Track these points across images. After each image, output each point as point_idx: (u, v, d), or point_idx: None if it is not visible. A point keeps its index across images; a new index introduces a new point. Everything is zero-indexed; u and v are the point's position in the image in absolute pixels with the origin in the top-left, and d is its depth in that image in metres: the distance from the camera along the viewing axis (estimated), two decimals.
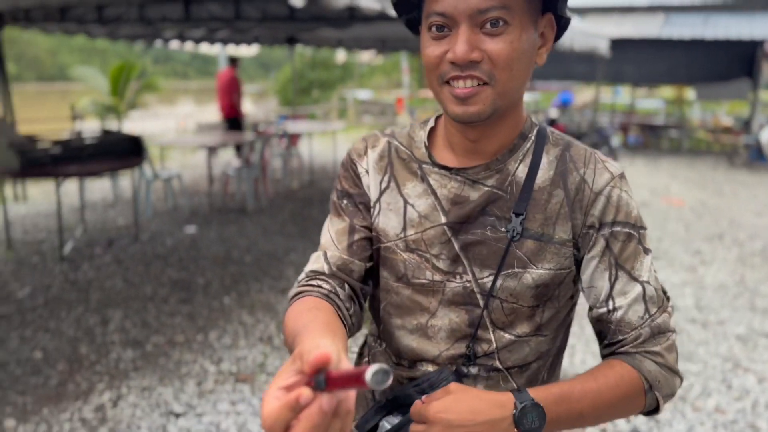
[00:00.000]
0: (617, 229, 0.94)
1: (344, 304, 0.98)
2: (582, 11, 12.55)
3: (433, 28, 0.87)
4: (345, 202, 1.06)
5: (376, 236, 1.04)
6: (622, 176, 0.97)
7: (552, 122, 10.13)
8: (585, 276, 0.97)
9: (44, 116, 12.17)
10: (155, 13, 5.78)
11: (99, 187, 7.89)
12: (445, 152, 1.01)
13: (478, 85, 0.87)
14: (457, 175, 0.98)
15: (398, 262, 1.01)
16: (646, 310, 0.94)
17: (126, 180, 7.95)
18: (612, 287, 0.95)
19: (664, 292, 0.98)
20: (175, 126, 13.49)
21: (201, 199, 7.45)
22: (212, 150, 7.13)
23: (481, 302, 0.97)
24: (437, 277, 0.99)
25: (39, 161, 4.90)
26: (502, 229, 0.96)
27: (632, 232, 0.95)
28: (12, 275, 4.73)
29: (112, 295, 4.33)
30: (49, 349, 3.50)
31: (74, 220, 6.26)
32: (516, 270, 0.95)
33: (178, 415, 2.86)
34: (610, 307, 0.95)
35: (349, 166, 1.08)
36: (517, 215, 0.95)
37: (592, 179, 0.95)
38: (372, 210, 1.05)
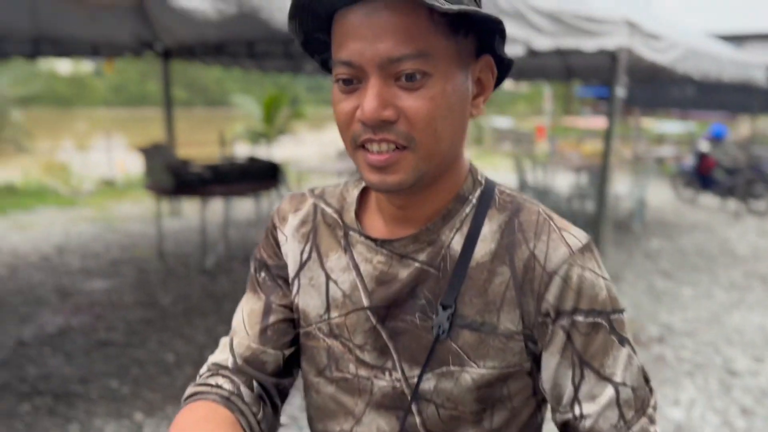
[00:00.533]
0: (579, 318, 0.75)
1: (250, 409, 0.82)
2: (740, 39, 11.68)
3: (340, 82, 0.72)
4: (263, 274, 0.91)
5: (297, 318, 0.89)
6: (584, 249, 0.77)
7: (702, 156, 9.48)
8: (545, 375, 0.79)
9: (207, 139, 13.40)
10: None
11: (244, 208, 8.54)
12: (374, 219, 0.85)
13: (395, 149, 0.71)
14: (382, 247, 0.82)
15: (320, 351, 0.86)
16: (621, 416, 0.76)
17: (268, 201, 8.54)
18: (577, 390, 0.77)
19: (649, 387, 0.80)
20: (319, 151, 14.18)
21: None
22: (344, 175, 7.50)
23: (414, 407, 0.80)
24: (363, 372, 0.82)
25: (190, 182, 5.45)
26: (433, 316, 0.79)
27: (599, 320, 0.76)
28: (160, 283, 5.27)
29: None
30: (181, 353, 3.86)
31: (218, 236, 6.84)
32: (452, 368, 0.78)
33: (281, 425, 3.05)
34: (577, 413, 0.77)
35: (270, 232, 0.93)
36: (445, 308, 0.77)
37: (544, 255, 0.76)
38: (291, 286, 0.89)
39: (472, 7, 0.68)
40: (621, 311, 0.78)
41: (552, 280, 0.75)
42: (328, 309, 0.85)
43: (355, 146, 0.73)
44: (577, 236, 0.78)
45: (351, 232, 0.86)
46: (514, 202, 0.82)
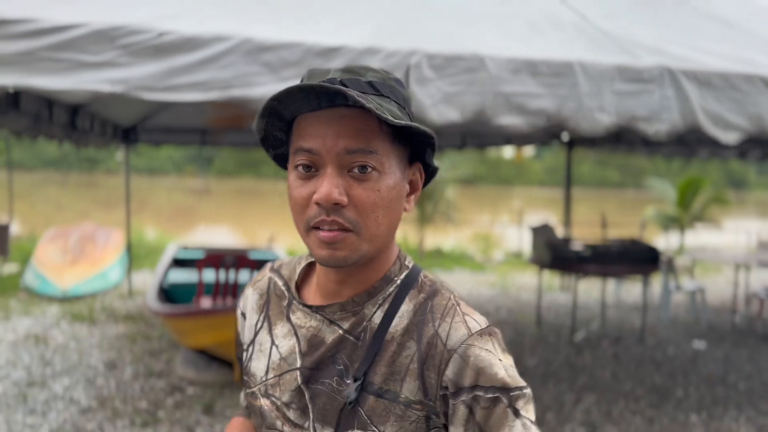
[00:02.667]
0: (480, 393, 0.83)
1: None
2: None
3: (300, 168, 0.85)
4: (237, 350, 1.10)
5: (247, 382, 1.02)
6: (483, 333, 0.86)
7: None
8: None
9: (627, 221, 13.58)
10: (692, 135, 6.21)
11: (635, 290, 8.52)
12: (312, 290, 0.98)
13: (342, 230, 0.83)
14: (316, 313, 0.94)
15: (256, 410, 0.98)
16: None
17: (658, 287, 8.36)
18: None
19: None
20: (746, 241, 12.88)
21: (725, 318, 7.21)
22: (749, 268, 6.88)
23: None
24: (287, 429, 0.93)
25: (568, 259, 5.95)
26: (348, 381, 0.88)
27: (499, 395, 0.83)
28: (530, 346, 5.85)
29: (595, 382, 4.91)
30: None
31: (595, 314, 7.09)
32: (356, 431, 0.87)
33: None
34: None
35: (237, 312, 1.10)
36: (356, 379, 0.87)
37: (446, 334, 0.86)
38: (246, 353, 1.04)
39: (414, 123, 0.84)
40: (520, 389, 0.84)
41: (451, 357, 0.84)
42: (267, 371, 0.97)
43: (308, 228, 0.85)
44: (478, 321, 0.87)
45: (293, 301, 0.98)
46: (433, 287, 0.93)
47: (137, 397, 4.28)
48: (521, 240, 11.75)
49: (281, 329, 0.98)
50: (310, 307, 0.95)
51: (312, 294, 0.98)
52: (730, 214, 16.84)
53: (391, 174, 0.86)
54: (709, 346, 6.01)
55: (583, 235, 8.59)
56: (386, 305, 0.91)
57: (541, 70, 2.55)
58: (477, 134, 7.59)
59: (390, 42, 2.50)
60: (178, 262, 6.73)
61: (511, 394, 0.83)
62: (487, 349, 0.84)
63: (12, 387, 4.40)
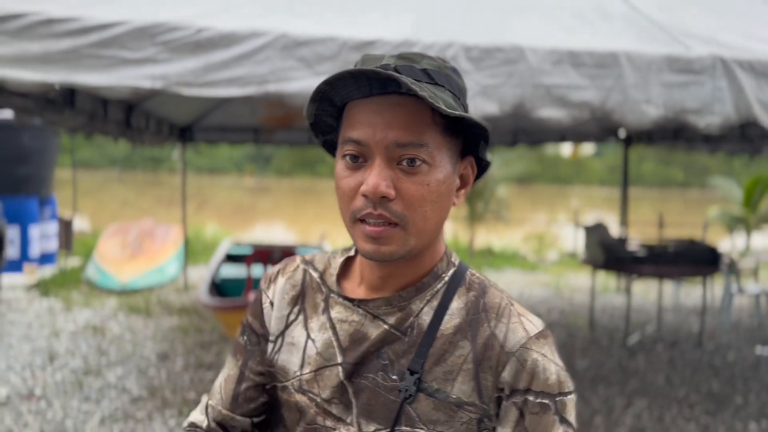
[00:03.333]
0: (530, 398, 0.84)
1: None
2: None
3: (347, 157, 0.83)
4: (245, 338, 1.02)
5: (274, 375, 0.98)
6: (540, 336, 0.86)
7: None
8: None
9: (690, 221, 13.09)
10: (755, 130, 5.92)
11: (695, 293, 8.19)
12: (354, 284, 0.95)
13: (389, 225, 0.81)
14: (359, 307, 0.91)
15: (290, 405, 0.95)
16: None
17: (719, 290, 8.03)
18: None
19: None
20: None
21: None
22: None
23: None
24: (329, 423, 0.90)
25: (622, 259, 5.77)
26: (393, 377, 0.87)
27: (546, 401, 0.84)
28: (581, 349, 5.70)
29: (648, 387, 4.74)
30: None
31: (651, 317, 6.84)
32: (403, 428, 0.86)
33: None
34: None
35: (258, 297, 1.03)
36: (412, 373, 0.86)
37: (503, 336, 0.86)
38: (272, 345, 0.98)
39: (468, 115, 0.81)
40: (567, 394, 0.85)
41: (509, 359, 0.84)
42: (302, 366, 0.94)
43: (354, 220, 0.83)
44: (535, 323, 0.87)
45: (331, 295, 0.95)
46: (482, 285, 0.92)
47: (186, 388, 4.38)
48: (577, 240, 11.47)
49: (316, 323, 0.95)
50: (351, 300, 0.92)
51: (353, 288, 0.95)
52: None
53: (442, 167, 0.83)
54: None
55: (642, 235, 8.31)
56: (435, 302, 0.89)
57: (584, 61, 2.47)
58: (529, 131, 7.45)
59: (429, 35, 2.47)
60: (231, 258, 6.88)
61: (558, 399, 0.84)
62: (543, 353, 0.85)
63: (70, 375, 4.59)
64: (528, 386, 0.83)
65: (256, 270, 5.43)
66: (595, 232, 6.10)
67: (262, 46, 2.27)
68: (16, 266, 7.53)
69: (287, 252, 5.26)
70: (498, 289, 0.92)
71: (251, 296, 5.19)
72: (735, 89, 2.55)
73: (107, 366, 4.80)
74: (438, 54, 2.38)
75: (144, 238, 8.40)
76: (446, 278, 0.91)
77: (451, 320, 0.88)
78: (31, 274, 7.71)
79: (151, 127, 5.57)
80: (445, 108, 0.78)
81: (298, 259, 1.03)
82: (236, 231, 13.80)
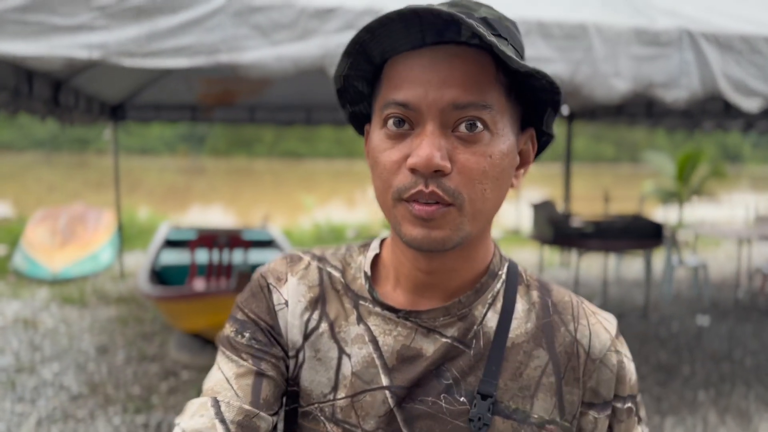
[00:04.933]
0: (618, 405, 0.76)
1: None
2: None
3: (390, 122, 0.67)
4: (247, 336, 0.76)
5: (294, 394, 0.78)
6: (618, 334, 0.78)
7: None
8: None
9: (624, 195, 13.47)
10: (697, 107, 6.05)
11: (633, 267, 8.41)
12: (390, 288, 0.77)
13: (442, 204, 0.65)
14: (406, 319, 0.74)
15: None
16: None
17: (659, 263, 8.29)
18: None
19: None
20: (744, 215, 12.85)
21: (728, 293, 7.12)
22: (750, 242, 6.77)
23: None
24: None
25: (569, 235, 5.81)
26: (462, 399, 0.71)
27: (630, 405, 0.77)
28: None
29: None
30: None
31: (596, 291, 6.98)
32: None
33: None
34: None
35: (263, 292, 0.80)
36: (484, 397, 0.70)
37: (587, 340, 0.75)
38: (293, 360, 0.78)
39: (542, 71, 0.65)
40: (640, 390, 0.82)
41: (599, 368, 0.74)
42: (335, 388, 0.74)
43: (398, 200, 0.67)
44: (611, 321, 0.78)
45: (361, 302, 0.77)
46: (540, 282, 0.80)
47: (130, 383, 4.14)
48: (519, 216, 11.60)
49: (348, 335, 0.76)
50: (396, 311, 0.75)
51: (389, 293, 0.77)
52: (727, 188, 16.79)
53: (505, 137, 0.68)
54: (713, 322, 5.91)
55: (582, 210, 8.45)
56: (498, 305, 0.75)
57: (553, 32, 2.37)
58: None
59: (390, 2, 2.31)
60: (171, 243, 6.56)
61: (637, 399, 0.78)
62: (625, 354, 0.77)
63: (0, 373, 4.25)
64: (615, 392, 0.75)
65: (200, 256, 5.18)
66: (543, 209, 6.13)
67: (212, 11, 2.05)
68: None
69: (233, 236, 5.03)
70: (557, 285, 0.81)
71: (197, 284, 4.95)
72: (701, 63, 2.51)
73: (42, 362, 4.48)
74: None
75: (75, 224, 7.93)
76: (503, 276, 0.77)
77: (519, 325, 0.75)
78: None
79: (81, 105, 5.19)
80: (517, 59, 0.62)
81: (305, 256, 0.83)
82: (172, 214, 13.31)
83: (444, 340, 0.73)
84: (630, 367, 0.77)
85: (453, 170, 0.65)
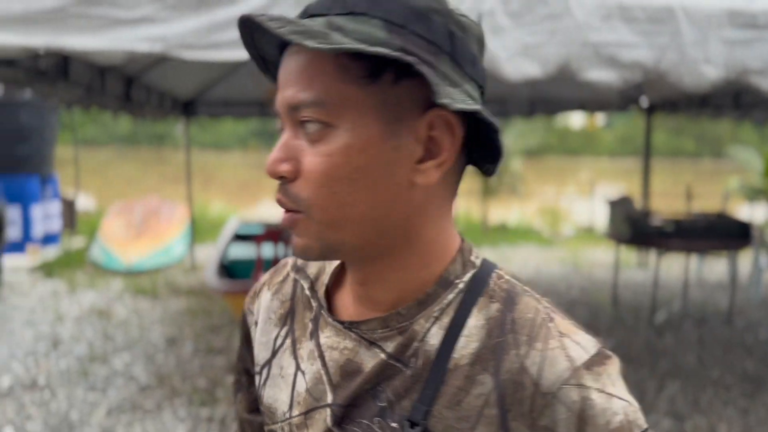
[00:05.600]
0: None
1: None
2: None
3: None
4: (237, 374, 0.85)
5: (264, 414, 0.77)
6: (592, 363, 0.60)
7: None
8: None
9: (706, 191, 12.78)
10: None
11: (718, 269, 7.94)
12: (347, 297, 0.72)
13: (293, 212, 0.62)
14: (350, 330, 0.68)
15: None
16: None
17: (745, 264, 7.78)
18: None
19: None
20: None
21: None
22: None
23: None
24: None
25: (648, 234, 5.51)
26: (393, 425, 0.64)
27: None
28: (606, 328, 5.47)
29: (678, 368, 4.51)
30: None
31: (675, 293, 6.60)
32: None
33: None
34: None
35: (242, 317, 0.82)
36: (413, 425, 0.62)
37: (536, 368, 0.61)
38: (258, 377, 0.78)
39: (357, 45, 0.55)
40: (645, 430, 0.61)
41: (548, 404, 0.60)
42: (291, 406, 0.72)
43: None
44: (584, 345, 0.62)
45: (322, 312, 0.72)
46: (511, 292, 0.66)
47: (196, 375, 4.19)
48: (593, 214, 11.18)
49: (305, 350, 0.72)
50: (342, 322, 0.69)
51: (345, 303, 0.71)
52: None
53: (356, 131, 0.59)
54: None
55: (662, 208, 8.03)
56: (446, 319, 0.65)
57: (637, 15, 2.18)
58: (547, 100, 7.14)
59: None
60: (239, 237, 6.65)
61: None
62: (598, 389, 0.59)
63: (75, 362, 4.39)
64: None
65: (267, 250, 5.20)
66: (621, 207, 5.84)
67: (274, 0, 1.99)
68: (18, 247, 7.33)
69: None
70: (533, 297, 0.66)
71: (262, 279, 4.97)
72: None
73: (113, 352, 4.60)
74: (472, 7, 2.10)
75: (149, 218, 8.17)
76: (461, 286, 0.66)
77: (467, 345, 0.63)
78: (34, 256, 7.52)
79: (153, 101, 5.31)
80: (325, 45, 0.54)
81: (288, 266, 0.80)
82: (242, 208, 13.58)
83: (382, 356, 0.66)
84: (609, 406, 0.59)
85: (300, 175, 0.61)
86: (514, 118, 7.78)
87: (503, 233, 10.68)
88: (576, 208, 13.96)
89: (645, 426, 0.62)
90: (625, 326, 5.54)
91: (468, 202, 11.41)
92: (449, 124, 0.61)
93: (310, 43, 0.54)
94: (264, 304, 0.78)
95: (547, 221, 11.73)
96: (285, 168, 0.61)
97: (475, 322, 0.64)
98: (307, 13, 0.62)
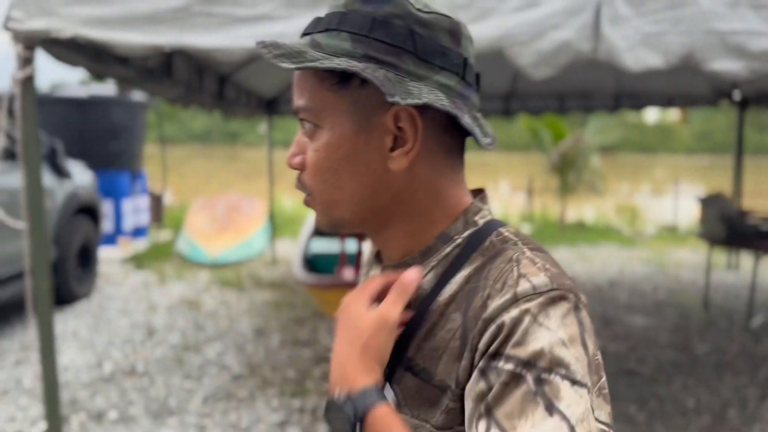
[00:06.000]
0: (499, 364, 0.63)
1: None
2: None
3: None
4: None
5: None
6: (534, 297, 0.65)
7: None
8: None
9: None
10: None
11: None
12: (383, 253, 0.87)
13: (307, 195, 0.78)
14: (383, 272, 0.83)
15: None
16: None
17: None
18: None
19: None
20: None
21: None
22: None
23: None
24: None
25: (744, 234, 5.25)
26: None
27: (522, 371, 0.62)
28: (698, 332, 5.25)
29: None
30: (702, 402, 3.85)
31: None
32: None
33: None
34: None
35: None
36: (398, 348, 0.75)
37: (493, 301, 0.67)
38: None
39: (312, 63, 0.68)
40: (560, 372, 0.61)
41: (487, 327, 0.66)
42: None
43: None
44: (535, 283, 0.66)
45: (374, 263, 0.90)
46: (502, 248, 0.73)
47: (285, 366, 4.27)
48: (676, 212, 10.75)
49: None
50: (380, 267, 0.85)
51: (383, 257, 0.86)
52: None
53: (334, 129, 0.73)
54: None
55: (756, 207, 7.63)
56: (440, 269, 0.75)
57: (766, 2, 2.06)
58: (633, 94, 6.90)
59: None
60: (320, 232, 6.74)
61: (543, 374, 0.61)
62: (533, 314, 0.64)
63: (169, 350, 4.56)
64: (499, 348, 0.64)
65: (350, 245, 5.25)
66: (714, 205, 5.57)
67: None
68: (110, 240, 7.69)
69: None
70: (518, 248, 0.72)
71: (346, 273, 5.03)
72: None
73: (205, 342, 4.76)
74: None
75: (231, 212, 8.41)
76: (459, 241, 0.76)
77: (451, 290, 0.73)
78: (125, 248, 7.87)
79: (242, 99, 5.44)
80: (290, 63, 0.68)
81: None
82: None
83: None
84: (536, 331, 0.63)
85: (306, 166, 0.76)
86: (598, 112, 7.54)
87: (581, 232, 10.41)
88: (656, 207, 13.46)
89: (573, 370, 0.62)
90: (718, 330, 5.29)
91: (543, 198, 11.20)
92: (411, 116, 0.71)
93: (284, 65, 0.68)
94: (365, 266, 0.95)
95: (626, 220, 11.35)
96: (297, 161, 0.76)
97: (463, 272, 0.73)
98: (303, 32, 0.75)
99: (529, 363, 0.62)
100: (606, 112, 7.61)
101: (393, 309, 0.73)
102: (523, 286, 0.66)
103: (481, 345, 0.66)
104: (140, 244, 8.36)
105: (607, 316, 5.65)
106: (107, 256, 7.44)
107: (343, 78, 0.70)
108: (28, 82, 2.10)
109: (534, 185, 11.75)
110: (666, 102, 7.13)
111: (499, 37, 1.99)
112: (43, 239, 2.37)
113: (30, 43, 2.06)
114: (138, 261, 7.51)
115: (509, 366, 0.62)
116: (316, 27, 0.73)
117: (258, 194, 8.77)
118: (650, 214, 12.44)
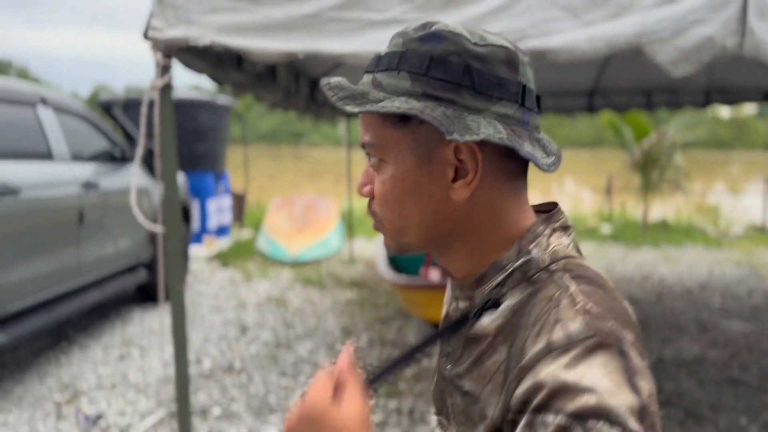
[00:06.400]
0: (547, 418, 0.61)
1: None
2: None
3: None
4: None
5: None
6: (570, 348, 0.63)
7: None
8: None
9: None
10: None
11: None
12: None
13: (376, 222, 0.82)
14: (456, 286, 0.86)
15: None
16: None
17: None
18: None
19: None
20: None
21: None
22: None
23: None
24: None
25: None
26: (448, 366, 0.83)
27: (572, 424, 0.60)
28: None
29: None
30: None
31: None
32: (443, 421, 0.84)
33: None
34: None
35: None
36: (450, 356, 0.81)
37: (529, 347, 0.67)
38: None
39: (374, 106, 0.72)
40: (612, 422, 0.59)
41: (524, 375, 0.66)
42: None
43: None
44: (570, 330, 0.65)
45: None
46: (548, 280, 0.74)
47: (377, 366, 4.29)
48: (765, 211, 10.25)
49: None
50: (454, 280, 0.86)
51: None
52: None
53: (398, 163, 0.77)
54: None
55: None
56: (492, 297, 0.78)
57: None
58: (724, 89, 6.61)
59: None
60: None
61: (591, 419, 0.59)
62: (572, 367, 0.62)
63: (263, 348, 4.67)
64: (543, 402, 0.62)
65: None
66: None
67: None
68: (197, 238, 7.94)
69: None
70: (562, 283, 0.72)
71: (432, 275, 5.02)
72: None
73: (296, 339, 4.84)
74: None
75: (307, 211, 8.55)
76: (510, 269, 0.77)
77: (496, 319, 0.76)
78: (210, 246, 8.10)
79: (328, 102, 5.50)
80: (354, 107, 0.73)
81: None
82: None
83: (460, 309, 0.83)
84: (580, 383, 0.61)
85: (374, 196, 0.81)
86: (687, 108, 7.26)
87: (665, 232, 10.06)
88: (737, 205, 12.88)
89: (621, 419, 0.59)
90: None
91: (623, 197, 10.87)
92: (471, 149, 0.74)
93: (348, 107, 0.74)
94: None
95: (709, 219, 10.89)
96: (366, 190, 0.81)
97: (509, 302, 0.75)
98: (365, 70, 0.79)
99: (576, 415, 0.60)
100: (694, 108, 7.32)
101: (364, 400, 0.70)
102: (557, 334, 0.66)
103: (518, 393, 0.66)
104: (224, 243, 8.60)
105: (702, 320, 5.43)
106: (194, 254, 7.68)
107: (405, 116, 0.75)
108: (166, 90, 2.19)
109: (613, 184, 11.42)
110: (760, 96, 6.79)
111: (638, 33, 1.93)
112: (178, 243, 2.46)
113: (168, 51, 2.14)
114: (223, 259, 7.72)
115: (558, 419, 0.61)
116: (378, 66, 0.76)
117: (324, 193, 8.87)
118: (733, 213, 11.91)
